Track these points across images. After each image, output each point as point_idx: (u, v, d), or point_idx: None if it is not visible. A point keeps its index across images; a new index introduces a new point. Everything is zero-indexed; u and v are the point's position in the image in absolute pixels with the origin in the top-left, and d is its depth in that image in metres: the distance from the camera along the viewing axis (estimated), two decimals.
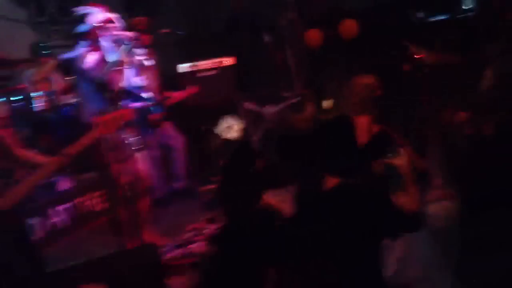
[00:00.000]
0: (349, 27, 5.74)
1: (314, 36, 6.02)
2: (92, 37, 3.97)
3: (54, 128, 5.50)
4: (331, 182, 2.17)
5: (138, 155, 4.17)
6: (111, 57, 3.94)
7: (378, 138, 3.79)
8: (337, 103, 5.82)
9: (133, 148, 4.10)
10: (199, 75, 6.29)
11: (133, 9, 8.29)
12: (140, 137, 4.35)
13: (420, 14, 6.65)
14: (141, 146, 4.24)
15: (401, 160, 2.20)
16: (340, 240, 2.01)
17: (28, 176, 2.99)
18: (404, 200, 2.09)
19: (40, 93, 5.40)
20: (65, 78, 5.92)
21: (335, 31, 5.90)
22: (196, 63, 6.31)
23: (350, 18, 5.97)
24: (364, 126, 3.69)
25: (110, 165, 3.98)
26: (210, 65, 6.48)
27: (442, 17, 6.50)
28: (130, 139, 4.07)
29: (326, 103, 6.60)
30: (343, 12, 6.15)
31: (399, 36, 5.37)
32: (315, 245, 2.04)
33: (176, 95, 5.67)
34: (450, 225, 2.09)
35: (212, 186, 4.66)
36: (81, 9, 4.13)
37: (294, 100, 5.89)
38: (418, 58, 4.61)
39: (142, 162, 4.21)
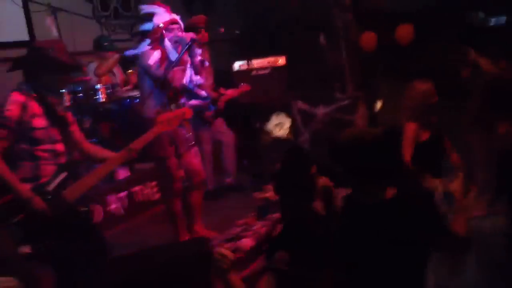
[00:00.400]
0: (405, 32, 5.72)
1: (369, 38, 6.03)
2: (156, 36, 4.10)
3: (114, 119, 5.76)
4: (389, 193, 2.21)
5: (193, 150, 4.33)
6: (173, 56, 4.08)
7: (429, 146, 3.81)
8: (390, 107, 5.81)
9: (189, 143, 4.26)
10: (253, 73, 6.42)
11: (191, 8, 8.57)
12: (195, 132, 4.55)
13: (482, 17, 6.51)
14: (195, 142, 4.40)
15: (456, 184, 2.22)
16: (388, 252, 2.08)
17: (96, 169, 3.23)
18: (454, 222, 2.13)
19: (102, 85, 5.65)
20: (127, 72, 6.20)
21: (391, 34, 5.88)
22: (250, 61, 6.43)
23: (407, 22, 5.94)
24: (414, 134, 3.72)
25: (168, 158, 4.15)
26: (264, 63, 6.61)
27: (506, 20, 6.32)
28: (187, 134, 4.24)
29: (378, 106, 6.62)
30: (399, 16, 6.12)
31: (459, 40, 5.33)
32: (363, 253, 2.12)
33: (230, 93, 5.81)
34: (499, 243, 2.07)
35: (265, 194, 4.82)
36: (147, 8, 4.28)
37: (346, 102, 5.94)
38: (477, 64, 4.54)
39: (196, 157, 4.36)
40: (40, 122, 3.01)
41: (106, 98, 5.61)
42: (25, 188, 2.91)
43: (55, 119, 3.08)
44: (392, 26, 5.95)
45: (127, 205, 5.31)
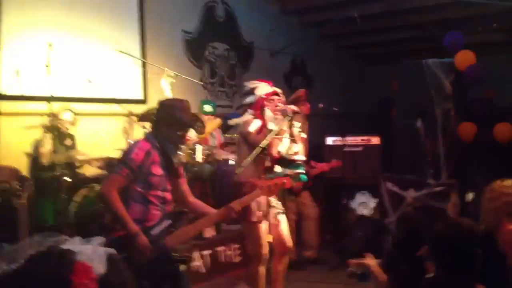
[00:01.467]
0: (503, 130, 5.66)
1: (467, 129, 6.00)
2: (258, 106, 4.29)
3: (207, 180, 6.01)
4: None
5: (282, 217, 4.39)
6: (272, 126, 4.22)
7: None
8: (480, 200, 5.66)
9: (278, 211, 4.35)
10: (345, 149, 6.52)
11: (291, 84, 8.99)
12: (282, 201, 4.60)
13: None
14: (283, 210, 4.46)
15: None
16: None
17: (197, 222, 3.42)
18: None
19: (202, 145, 5.98)
20: (225, 136, 6.53)
21: (490, 129, 5.83)
22: (344, 137, 6.55)
23: (507, 121, 5.90)
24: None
25: (256, 222, 4.23)
26: (357, 141, 6.72)
27: None
28: (275, 202, 4.33)
29: (470, 197, 6.45)
30: (500, 113, 6.11)
31: None
32: None
33: (321, 166, 5.94)
34: None
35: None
36: (250, 84, 4.48)
37: (438, 189, 5.86)
38: None
39: (283, 225, 4.40)
40: (157, 170, 3.26)
41: (203, 159, 5.91)
42: (134, 225, 3.13)
43: (171, 169, 3.34)
44: (493, 121, 5.91)
45: (210, 264, 5.44)
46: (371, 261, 2.74)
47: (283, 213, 4.40)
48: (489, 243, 2.48)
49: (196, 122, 3.56)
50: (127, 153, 3.29)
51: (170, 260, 3.25)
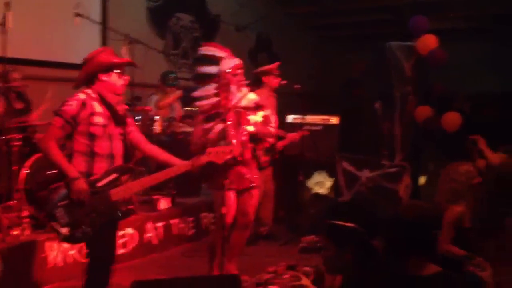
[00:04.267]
0: (452, 119, 5.79)
1: (424, 113, 6.11)
2: (222, 81, 4.16)
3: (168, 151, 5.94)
4: (431, 269, 2.23)
5: (253, 191, 4.34)
6: (236, 100, 4.15)
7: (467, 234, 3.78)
8: (433, 183, 5.82)
9: (249, 183, 4.28)
10: (304, 127, 6.54)
11: (257, 59, 8.95)
12: (256, 176, 4.45)
13: None
14: (256, 184, 4.38)
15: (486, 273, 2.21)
16: None
17: (146, 177, 3.52)
18: None
19: (160, 117, 5.92)
20: (185, 109, 6.47)
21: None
22: (304, 115, 6.55)
23: (462, 105, 6.05)
24: (456, 216, 3.71)
25: (223, 190, 4.05)
26: (317, 120, 6.76)
27: None
28: (248, 174, 4.27)
29: (422, 180, 6.62)
30: (457, 98, 6.24)
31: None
32: None
33: (291, 135, 5.83)
34: None
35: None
36: (209, 50, 4.27)
37: (392, 170, 5.97)
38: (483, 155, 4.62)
39: (253, 199, 4.36)
40: (99, 119, 3.25)
41: (161, 130, 5.85)
42: (73, 169, 3.17)
43: (114, 117, 3.31)
44: (450, 107, 6.04)
45: (162, 235, 5.43)
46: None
47: (255, 187, 4.35)
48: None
49: (128, 61, 3.60)
50: (61, 105, 3.27)
51: (113, 212, 3.28)
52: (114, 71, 3.33)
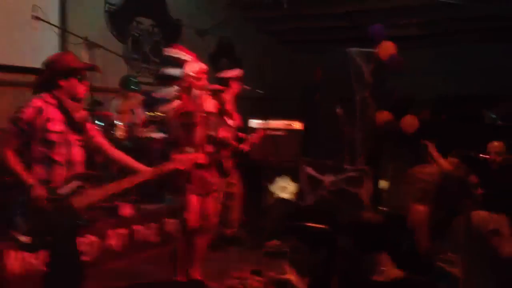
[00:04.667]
0: (410, 122, 6.01)
1: (384, 118, 6.27)
2: (185, 85, 4.20)
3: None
4: (393, 273, 2.29)
5: (214, 195, 4.39)
6: (199, 104, 4.19)
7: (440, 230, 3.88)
8: (394, 187, 5.98)
9: (211, 188, 4.33)
10: (267, 132, 6.57)
11: (218, 65, 8.93)
12: (216, 179, 4.52)
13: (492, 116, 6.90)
14: (216, 188, 4.43)
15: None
16: None
17: (108, 185, 3.41)
18: None
19: (122, 122, 5.82)
20: (147, 113, 6.38)
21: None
22: (267, 120, 6.59)
23: (420, 109, 6.27)
24: (422, 217, 3.81)
25: (187, 194, 4.17)
26: (280, 125, 6.81)
27: None
28: (210, 179, 4.31)
29: (384, 184, 6.76)
30: (413, 102, 6.45)
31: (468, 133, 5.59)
32: None
33: (252, 138, 5.85)
34: None
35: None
36: (174, 53, 4.31)
37: (353, 174, 6.08)
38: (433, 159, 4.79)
39: (214, 202, 4.41)
40: (56, 126, 3.17)
41: (123, 135, 5.76)
42: (30, 177, 3.09)
43: (73, 125, 3.24)
44: (408, 111, 6.23)
45: (126, 242, 5.34)
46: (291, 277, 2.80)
47: (217, 190, 4.43)
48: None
49: (90, 64, 3.53)
50: (16, 112, 3.19)
51: (74, 220, 3.21)
52: (74, 76, 3.25)
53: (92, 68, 3.61)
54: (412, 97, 6.77)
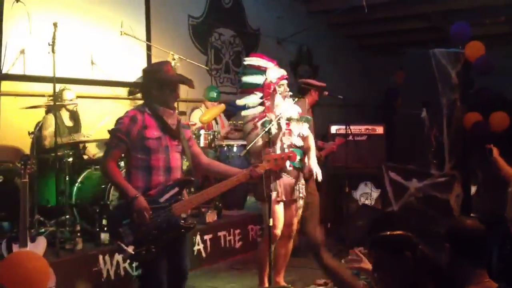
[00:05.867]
0: (498, 119, 5.65)
1: (473, 119, 5.97)
2: (267, 90, 4.21)
3: None
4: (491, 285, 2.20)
5: (296, 204, 4.35)
6: (281, 111, 4.13)
7: None
8: (485, 192, 5.66)
9: (294, 195, 4.29)
10: (349, 138, 6.46)
11: (297, 71, 8.95)
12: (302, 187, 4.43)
13: None
14: (304, 195, 4.38)
15: None
16: None
17: (206, 190, 3.42)
18: None
19: (205, 131, 5.98)
20: (229, 122, 6.51)
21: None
22: (348, 126, 6.47)
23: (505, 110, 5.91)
24: None
25: (273, 201, 4.01)
26: (361, 130, 6.68)
27: None
28: (295, 186, 4.28)
29: (473, 190, 6.42)
30: (505, 104, 6.09)
31: None
32: None
33: (330, 146, 5.80)
34: None
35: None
36: (255, 61, 4.31)
37: (441, 179, 5.83)
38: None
39: (296, 210, 4.37)
40: (152, 133, 3.24)
41: (206, 144, 5.90)
42: (132, 189, 3.15)
43: (169, 131, 3.29)
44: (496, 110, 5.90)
45: (210, 248, 5.44)
46: (367, 265, 2.69)
47: (302, 198, 4.36)
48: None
49: (184, 78, 3.50)
50: (115, 124, 3.30)
51: (177, 227, 3.25)
52: (168, 88, 3.28)
53: (187, 82, 3.54)
54: (502, 97, 6.38)
